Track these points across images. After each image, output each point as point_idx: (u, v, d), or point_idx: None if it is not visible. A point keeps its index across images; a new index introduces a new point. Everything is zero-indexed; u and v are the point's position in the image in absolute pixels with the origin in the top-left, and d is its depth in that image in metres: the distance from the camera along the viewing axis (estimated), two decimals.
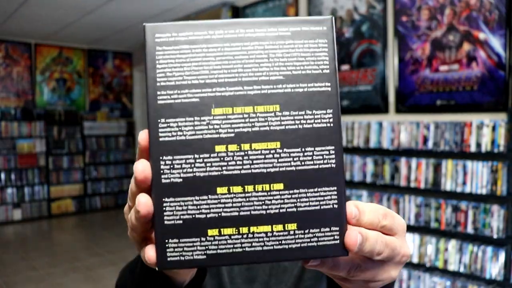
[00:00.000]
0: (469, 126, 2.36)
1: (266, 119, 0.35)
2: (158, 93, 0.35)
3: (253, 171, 0.35)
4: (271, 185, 0.35)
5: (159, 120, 0.34)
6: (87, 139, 6.21)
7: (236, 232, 0.34)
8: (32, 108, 5.83)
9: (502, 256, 2.22)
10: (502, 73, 2.31)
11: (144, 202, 0.33)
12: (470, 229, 2.35)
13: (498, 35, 2.32)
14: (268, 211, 0.35)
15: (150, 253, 0.34)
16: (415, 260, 2.59)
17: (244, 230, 0.34)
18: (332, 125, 0.35)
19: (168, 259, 0.34)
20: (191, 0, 4.10)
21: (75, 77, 6.32)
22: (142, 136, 0.35)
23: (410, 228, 2.62)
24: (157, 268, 0.35)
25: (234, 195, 0.34)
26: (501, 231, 2.23)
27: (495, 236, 2.25)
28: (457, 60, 2.50)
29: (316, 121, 0.35)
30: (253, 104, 0.35)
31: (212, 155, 0.34)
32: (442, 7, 2.55)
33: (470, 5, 2.43)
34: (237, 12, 4.07)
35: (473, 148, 2.34)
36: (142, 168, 0.34)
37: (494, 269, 2.25)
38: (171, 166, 0.34)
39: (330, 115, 0.35)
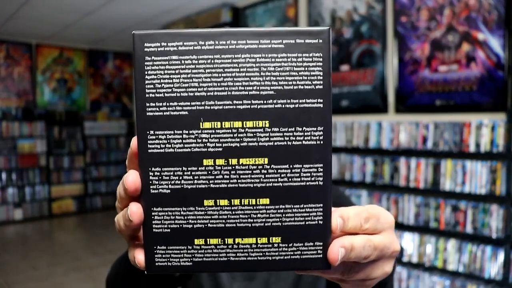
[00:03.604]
0: (468, 126, 2.37)
1: (254, 134, 0.35)
2: (147, 104, 0.34)
3: (240, 185, 0.35)
4: (257, 199, 0.35)
5: (148, 132, 0.35)
6: (87, 139, 6.22)
7: (222, 243, 0.35)
8: (33, 108, 5.85)
9: (501, 256, 2.23)
10: (501, 73, 2.32)
11: (135, 212, 0.35)
12: (469, 229, 2.36)
13: (497, 35, 2.33)
14: (253, 224, 0.35)
15: (139, 257, 0.36)
16: (414, 259, 2.60)
17: (230, 241, 0.35)
18: (322, 142, 0.35)
19: (156, 264, 0.36)
20: (191, 1, 4.11)
21: (76, 77, 6.33)
22: (134, 142, 0.35)
23: (409, 228, 2.63)
24: (145, 272, 0.36)
25: (221, 207, 0.35)
26: (500, 230, 2.24)
27: (494, 236, 2.26)
28: (456, 61, 2.51)
29: (306, 138, 0.35)
30: (242, 119, 0.34)
31: (200, 168, 0.35)
32: (441, 7, 2.56)
33: (469, 6, 2.44)
34: (237, 13, 4.08)
35: (472, 148, 2.35)
36: (132, 179, 0.35)
37: (493, 268, 2.26)
38: (160, 177, 0.35)
39: (321, 133, 0.35)
